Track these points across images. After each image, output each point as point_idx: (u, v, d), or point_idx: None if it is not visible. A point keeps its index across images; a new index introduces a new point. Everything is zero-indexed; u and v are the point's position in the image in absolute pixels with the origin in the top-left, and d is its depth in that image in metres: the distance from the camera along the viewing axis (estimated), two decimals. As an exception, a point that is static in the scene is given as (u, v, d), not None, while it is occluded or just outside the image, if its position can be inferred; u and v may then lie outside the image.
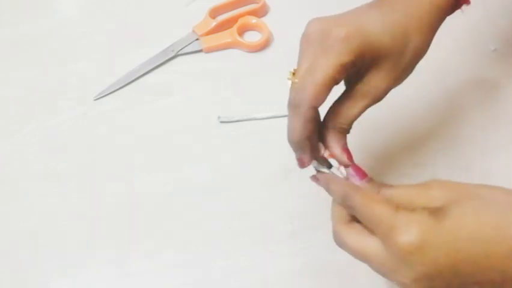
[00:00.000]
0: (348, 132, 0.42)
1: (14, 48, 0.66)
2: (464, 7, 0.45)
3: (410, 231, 0.32)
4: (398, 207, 0.34)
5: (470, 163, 0.56)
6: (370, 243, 0.35)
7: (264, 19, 0.67)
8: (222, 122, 0.59)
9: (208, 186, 0.55)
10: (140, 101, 0.61)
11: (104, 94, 0.61)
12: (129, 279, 0.50)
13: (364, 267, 0.37)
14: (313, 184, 0.42)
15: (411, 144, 0.57)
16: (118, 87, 0.62)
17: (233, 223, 0.53)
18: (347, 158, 0.40)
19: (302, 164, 0.41)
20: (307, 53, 0.39)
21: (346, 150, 0.41)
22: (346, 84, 0.42)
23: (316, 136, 0.41)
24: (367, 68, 0.40)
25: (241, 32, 0.65)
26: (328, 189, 0.40)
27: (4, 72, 0.64)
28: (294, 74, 0.39)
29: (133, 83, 0.62)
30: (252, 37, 0.66)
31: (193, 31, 0.65)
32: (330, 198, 0.40)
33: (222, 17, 0.66)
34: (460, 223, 0.32)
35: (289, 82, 0.39)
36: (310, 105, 0.38)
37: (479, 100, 0.60)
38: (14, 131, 0.59)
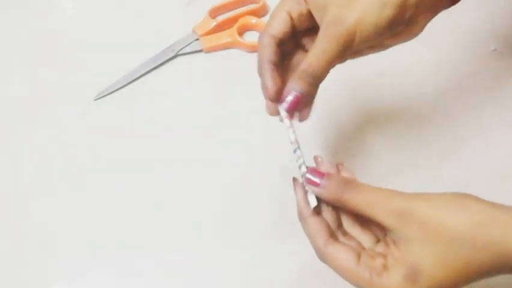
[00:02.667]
0: (322, 78, 0.41)
1: (14, 48, 0.66)
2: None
3: None
4: (373, 272, 0.35)
5: (471, 163, 0.56)
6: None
7: (264, 19, 0.67)
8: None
9: (208, 186, 0.55)
10: (140, 101, 0.61)
11: (104, 94, 0.61)
12: (129, 279, 0.50)
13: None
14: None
15: (412, 145, 0.57)
16: (118, 87, 0.62)
17: (233, 223, 0.53)
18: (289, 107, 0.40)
19: (265, 92, 0.42)
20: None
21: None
22: None
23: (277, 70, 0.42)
24: (320, 13, 0.41)
25: (241, 32, 0.65)
26: (300, 219, 0.40)
27: (4, 72, 0.64)
28: None
29: (133, 83, 0.62)
30: (252, 37, 0.66)
31: (193, 31, 0.65)
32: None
33: (222, 17, 0.66)
34: (432, 280, 0.34)
35: None
36: (267, 33, 0.42)
37: (479, 100, 0.60)
38: (14, 130, 0.59)
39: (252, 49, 0.64)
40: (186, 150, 0.57)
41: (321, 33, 0.40)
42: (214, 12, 0.66)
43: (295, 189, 0.40)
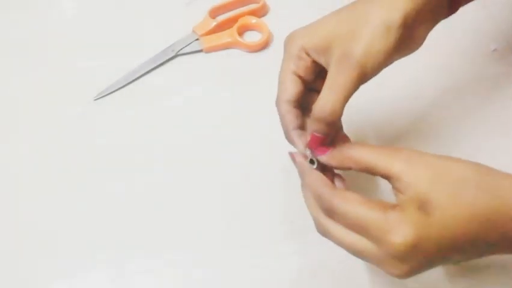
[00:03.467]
0: (337, 127, 0.42)
1: (14, 48, 0.66)
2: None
3: (404, 232, 0.34)
4: (385, 208, 0.35)
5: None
6: (360, 239, 0.36)
7: (264, 19, 0.67)
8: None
9: (208, 186, 0.55)
10: (140, 101, 0.61)
11: (104, 94, 0.61)
12: (129, 279, 0.50)
13: (364, 267, 0.37)
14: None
15: (412, 145, 0.57)
16: (118, 87, 0.62)
17: (232, 223, 0.53)
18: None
19: (293, 158, 0.43)
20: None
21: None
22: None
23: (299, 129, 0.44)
24: (326, 58, 0.41)
25: (241, 32, 0.65)
26: (301, 178, 0.41)
27: (4, 72, 0.64)
28: None
29: (133, 83, 0.62)
30: (252, 37, 0.66)
31: (193, 31, 0.65)
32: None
33: (222, 17, 0.66)
34: (443, 212, 0.34)
35: None
36: (281, 100, 0.44)
37: (479, 100, 0.60)
38: (14, 130, 0.59)
39: (252, 49, 0.64)
40: (186, 150, 0.57)
41: (331, 73, 0.40)
42: (214, 12, 0.66)
43: (294, 158, 0.42)
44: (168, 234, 0.53)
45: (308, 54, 0.42)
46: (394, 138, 0.58)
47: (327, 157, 0.40)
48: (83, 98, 0.61)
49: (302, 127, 0.44)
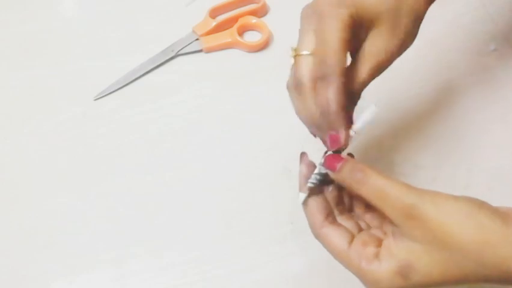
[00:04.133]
0: (356, 100, 0.42)
1: (14, 48, 0.66)
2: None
3: None
4: (360, 258, 0.36)
5: (471, 163, 0.56)
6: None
7: (264, 19, 0.67)
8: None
9: (208, 186, 0.55)
10: (140, 101, 0.61)
11: (104, 94, 0.61)
12: (129, 279, 0.50)
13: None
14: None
15: (412, 145, 0.57)
16: (118, 87, 0.62)
17: (233, 223, 0.53)
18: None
19: (337, 142, 0.39)
20: (309, 28, 0.39)
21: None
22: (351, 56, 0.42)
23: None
24: (366, 33, 0.41)
25: (241, 32, 0.65)
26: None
27: (4, 72, 0.64)
28: (296, 51, 0.39)
29: (133, 83, 0.62)
30: (252, 37, 0.66)
31: (193, 31, 0.65)
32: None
33: (222, 17, 0.66)
34: (425, 279, 0.34)
35: (293, 59, 0.39)
36: (341, 72, 0.37)
37: (479, 100, 0.60)
38: (14, 131, 0.59)
39: (252, 49, 0.64)
40: (186, 150, 0.57)
41: (368, 54, 0.40)
42: (214, 12, 0.66)
43: (300, 163, 0.41)
44: (168, 234, 0.53)
45: (355, 26, 0.39)
46: (393, 138, 0.58)
47: (334, 176, 0.38)
48: (83, 98, 0.61)
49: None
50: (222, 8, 0.67)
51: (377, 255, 0.35)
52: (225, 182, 0.55)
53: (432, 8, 0.44)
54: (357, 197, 0.40)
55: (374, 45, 0.40)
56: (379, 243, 0.36)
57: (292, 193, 0.53)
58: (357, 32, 0.39)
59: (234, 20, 0.66)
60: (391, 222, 0.35)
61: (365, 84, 0.41)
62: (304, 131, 0.43)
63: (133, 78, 0.62)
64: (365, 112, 0.39)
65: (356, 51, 0.41)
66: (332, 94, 0.37)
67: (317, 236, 0.39)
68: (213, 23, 0.65)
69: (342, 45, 0.37)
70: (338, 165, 0.37)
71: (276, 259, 0.51)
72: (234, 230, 0.53)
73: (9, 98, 0.62)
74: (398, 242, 0.35)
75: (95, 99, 0.61)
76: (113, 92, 0.62)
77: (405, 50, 0.42)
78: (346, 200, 0.41)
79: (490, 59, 0.63)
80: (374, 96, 0.59)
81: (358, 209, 0.41)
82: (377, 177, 0.36)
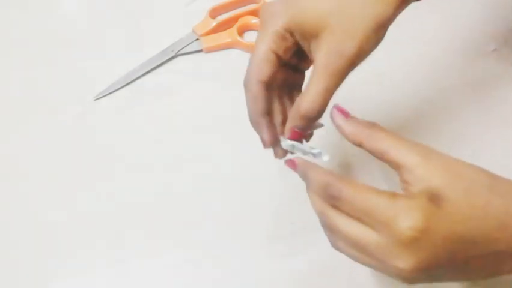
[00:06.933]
0: (313, 124, 0.41)
1: (14, 48, 0.66)
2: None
3: (413, 217, 0.32)
4: (394, 195, 0.34)
5: (471, 163, 0.56)
6: (365, 230, 0.34)
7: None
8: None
9: (208, 186, 0.55)
10: (140, 101, 0.61)
11: (104, 94, 0.61)
12: (129, 279, 0.50)
13: (364, 267, 0.37)
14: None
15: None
16: (118, 87, 0.62)
17: (233, 223, 0.53)
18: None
19: (264, 144, 0.42)
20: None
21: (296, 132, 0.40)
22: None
23: (269, 115, 0.42)
24: (317, 43, 0.39)
25: (241, 32, 0.65)
26: (305, 177, 0.38)
27: (4, 72, 0.64)
28: None
29: (133, 83, 0.62)
30: (252, 37, 0.66)
31: (193, 31, 0.65)
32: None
33: (222, 17, 0.66)
34: (454, 207, 0.33)
35: None
36: (255, 80, 0.40)
37: (479, 100, 0.60)
38: (14, 130, 0.59)
39: (252, 49, 0.64)
40: (186, 150, 0.57)
41: (320, 68, 0.38)
42: (214, 12, 0.66)
43: (293, 163, 0.39)
44: (168, 234, 0.53)
45: (292, 35, 0.39)
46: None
47: (345, 123, 0.38)
48: (83, 98, 0.61)
49: (270, 112, 0.42)
50: (222, 8, 0.67)
51: (406, 191, 0.34)
52: (225, 182, 0.55)
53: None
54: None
55: (323, 52, 0.38)
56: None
57: (292, 193, 0.54)
58: (302, 41, 0.40)
59: (234, 20, 0.66)
60: (408, 169, 0.35)
61: (315, 102, 0.39)
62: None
63: (133, 78, 0.62)
64: (312, 152, 0.40)
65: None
66: (247, 101, 0.41)
67: (339, 192, 0.35)
68: (213, 23, 0.65)
69: (263, 52, 0.40)
70: (349, 117, 0.38)
71: (276, 259, 0.51)
72: (234, 229, 0.52)
73: (9, 98, 0.62)
74: (419, 183, 0.34)
75: (95, 99, 0.61)
76: (113, 92, 0.62)
77: (364, 56, 0.39)
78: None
79: (490, 59, 0.63)
80: (373, 96, 0.60)
81: None
82: (385, 132, 0.37)
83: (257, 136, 0.58)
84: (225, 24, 0.66)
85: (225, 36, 0.65)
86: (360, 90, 0.60)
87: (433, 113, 0.59)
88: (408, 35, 0.62)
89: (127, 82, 0.62)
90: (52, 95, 0.62)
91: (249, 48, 0.64)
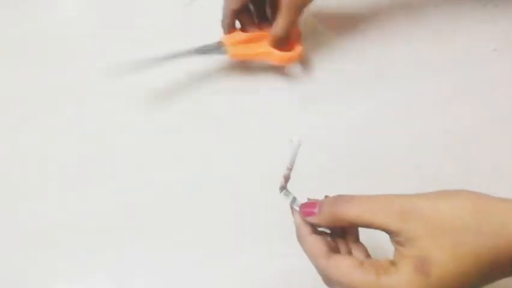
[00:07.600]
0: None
1: (14, 48, 0.66)
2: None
3: None
4: (379, 271, 0.34)
5: (471, 163, 0.56)
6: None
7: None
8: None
9: (209, 187, 0.55)
10: (140, 101, 0.61)
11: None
12: (129, 279, 0.50)
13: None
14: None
15: (412, 145, 0.57)
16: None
17: (233, 223, 0.53)
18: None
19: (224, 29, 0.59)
20: None
21: None
22: None
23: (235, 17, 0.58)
24: None
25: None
26: (299, 240, 0.40)
27: (4, 71, 0.64)
28: None
29: (136, 83, 0.62)
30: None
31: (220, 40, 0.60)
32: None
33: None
34: (444, 270, 0.33)
35: None
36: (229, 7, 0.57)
37: (479, 100, 0.60)
38: (13, 130, 0.59)
39: (282, 62, 0.61)
40: (186, 150, 0.57)
41: (284, 6, 0.55)
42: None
43: (293, 214, 0.41)
44: (168, 234, 0.52)
45: None
46: (393, 138, 0.58)
47: (317, 219, 0.39)
48: (83, 98, 0.61)
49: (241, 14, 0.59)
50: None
51: (392, 263, 0.35)
52: (226, 182, 0.55)
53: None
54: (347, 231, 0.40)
55: None
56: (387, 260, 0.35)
57: (292, 193, 0.54)
58: None
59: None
60: (391, 233, 0.35)
61: (283, 28, 0.57)
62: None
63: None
64: (291, 149, 0.42)
65: None
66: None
67: (326, 268, 0.37)
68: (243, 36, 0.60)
69: None
70: (316, 209, 0.38)
71: (276, 259, 0.51)
72: (235, 229, 0.52)
73: (9, 98, 0.62)
74: (407, 245, 0.34)
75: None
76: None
77: None
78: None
79: (490, 59, 0.63)
80: (374, 96, 0.60)
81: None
82: (359, 197, 0.36)
83: (257, 136, 0.58)
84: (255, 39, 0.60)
85: (255, 47, 0.60)
86: (359, 90, 0.60)
87: (433, 114, 0.59)
88: (408, 35, 0.62)
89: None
90: (52, 95, 0.61)
91: (280, 61, 0.60)
